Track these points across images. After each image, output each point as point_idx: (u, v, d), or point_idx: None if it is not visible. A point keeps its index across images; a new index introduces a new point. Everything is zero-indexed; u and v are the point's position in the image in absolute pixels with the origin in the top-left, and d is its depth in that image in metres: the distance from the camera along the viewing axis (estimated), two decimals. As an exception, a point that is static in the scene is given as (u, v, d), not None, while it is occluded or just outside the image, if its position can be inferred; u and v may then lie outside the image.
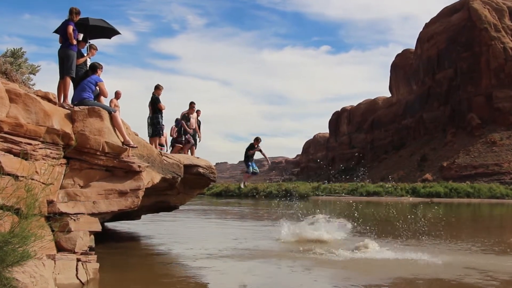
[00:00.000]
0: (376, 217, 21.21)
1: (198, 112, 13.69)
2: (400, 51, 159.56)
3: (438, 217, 19.70)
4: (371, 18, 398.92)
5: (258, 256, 9.70)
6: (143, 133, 12.91)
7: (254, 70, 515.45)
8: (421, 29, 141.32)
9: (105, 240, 10.10)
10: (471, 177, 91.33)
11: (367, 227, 13.69)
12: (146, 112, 11.80)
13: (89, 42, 9.06)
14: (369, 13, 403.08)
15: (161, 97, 11.87)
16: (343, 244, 11.40)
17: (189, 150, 13.49)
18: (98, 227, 6.88)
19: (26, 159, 5.99)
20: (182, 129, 13.11)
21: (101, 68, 8.28)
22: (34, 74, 12.52)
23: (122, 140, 7.41)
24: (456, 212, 33.85)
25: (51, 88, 7.89)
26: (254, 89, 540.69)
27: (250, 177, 15.43)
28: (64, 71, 8.07)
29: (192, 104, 13.31)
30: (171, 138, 13.73)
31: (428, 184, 77.60)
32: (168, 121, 13.66)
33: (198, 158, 12.97)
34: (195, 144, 13.58)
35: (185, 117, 13.16)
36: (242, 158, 14.75)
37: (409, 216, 17.09)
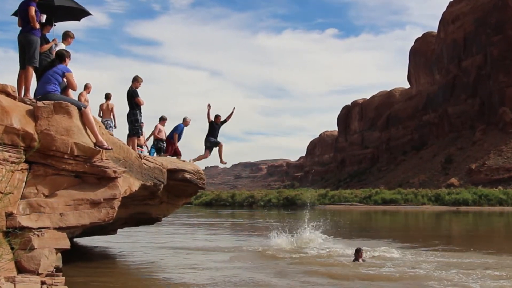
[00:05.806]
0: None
1: (186, 121, 14.37)
2: (419, 35, 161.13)
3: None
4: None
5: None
6: (120, 133, 12.84)
7: (249, 57, 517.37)
8: (444, 9, 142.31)
9: (74, 259, 10.07)
10: (504, 182, 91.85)
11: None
12: (123, 108, 11.80)
13: (55, 25, 9.01)
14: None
15: (140, 90, 11.84)
16: None
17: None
18: (66, 244, 6.86)
19: (-20, 164, 5.96)
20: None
21: (69, 57, 8.24)
22: (-11, 63, 12.48)
23: (94, 141, 7.38)
24: (488, 221, 33.90)
25: (10, 79, 7.85)
26: (248, 80, 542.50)
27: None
28: (25, 60, 8.04)
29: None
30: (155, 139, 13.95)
31: (454, 190, 77.97)
32: (148, 118, 13.83)
33: (184, 161, 13.00)
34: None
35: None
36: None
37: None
